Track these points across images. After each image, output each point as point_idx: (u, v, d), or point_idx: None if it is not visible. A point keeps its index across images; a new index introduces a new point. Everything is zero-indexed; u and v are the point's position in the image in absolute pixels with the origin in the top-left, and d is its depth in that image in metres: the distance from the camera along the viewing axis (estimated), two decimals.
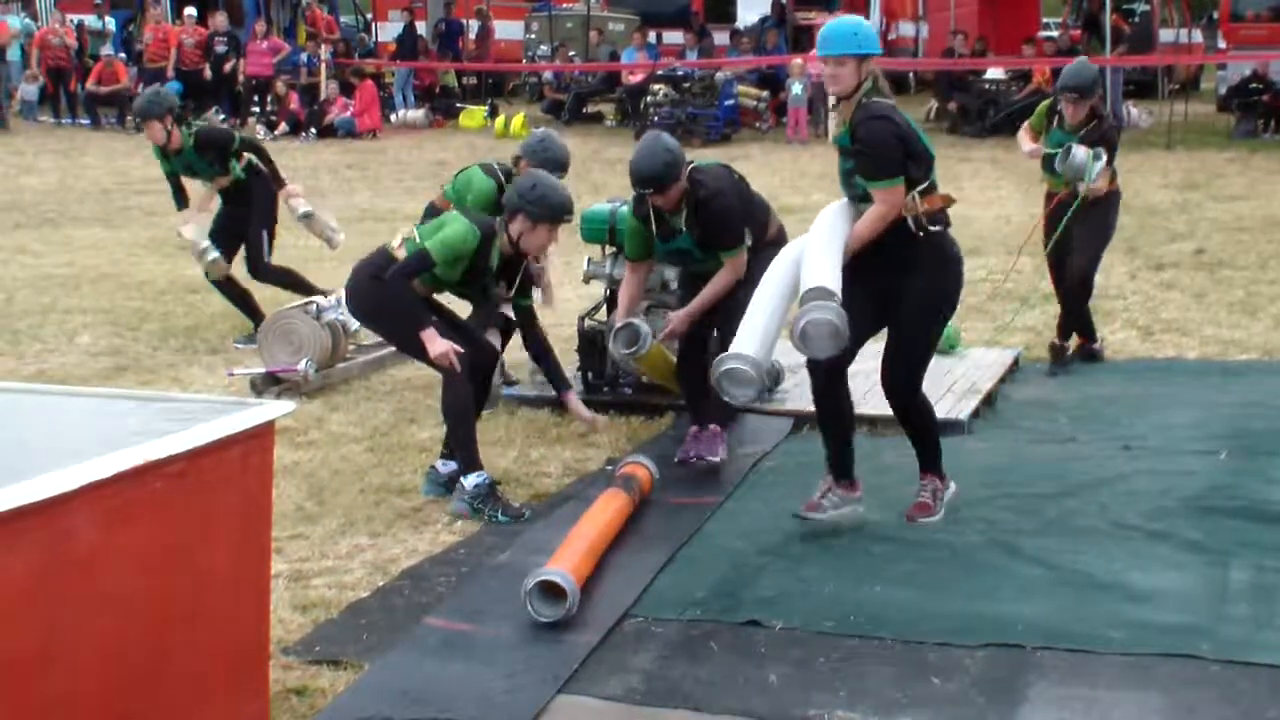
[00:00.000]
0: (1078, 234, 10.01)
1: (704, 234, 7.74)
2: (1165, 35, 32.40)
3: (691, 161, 7.88)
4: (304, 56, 29.57)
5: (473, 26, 34.48)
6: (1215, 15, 34.83)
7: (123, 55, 29.16)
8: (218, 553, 4.67)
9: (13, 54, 29.49)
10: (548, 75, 32.01)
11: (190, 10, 29.57)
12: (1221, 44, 30.98)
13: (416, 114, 29.23)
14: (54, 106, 29.52)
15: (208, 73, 28.56)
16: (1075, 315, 10.31)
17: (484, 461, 7.39)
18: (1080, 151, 9.67)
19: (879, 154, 6.75)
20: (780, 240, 7.95)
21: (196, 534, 4.57)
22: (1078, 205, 9.85)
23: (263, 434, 4.87)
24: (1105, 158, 9.71)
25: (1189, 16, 35.66)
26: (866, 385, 9.33)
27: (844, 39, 6.84)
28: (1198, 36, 35.05)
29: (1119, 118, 26.15)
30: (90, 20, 31.45)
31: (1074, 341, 10.40)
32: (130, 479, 4.25)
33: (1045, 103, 10.50)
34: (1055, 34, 33.08)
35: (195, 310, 11.99)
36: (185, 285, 13.02)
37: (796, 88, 25.67)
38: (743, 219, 7.82)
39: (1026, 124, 10.62)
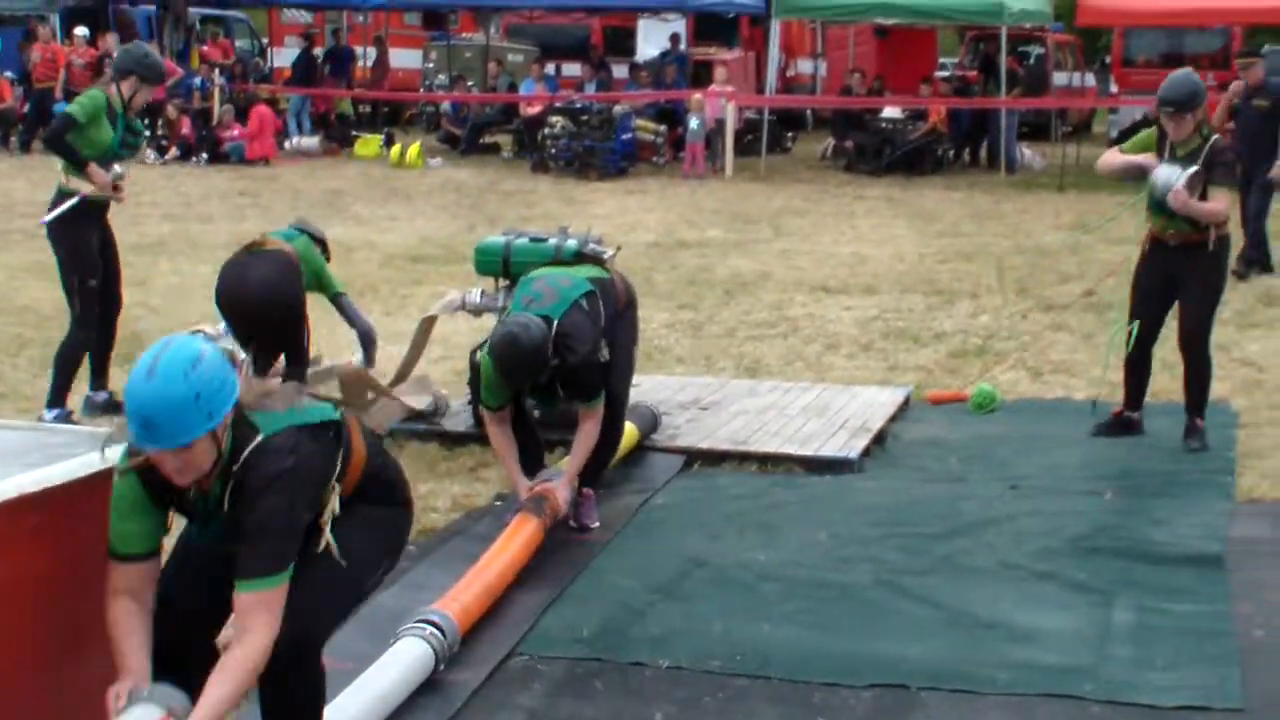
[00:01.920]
0: (1187, 284, 8.99)
1: (567, 387, 7.52)
2: (1059, 78, 32.87)
3: (553, 322, 7.28)
4: (197, 80, 29.31)
5: (369, 54, 34.30)
6: (1108, 60, 35.35)
7: (10, 74, 28.75)
8: (98, 586, 4.58)
9: None
10: (445, 105, 31.94)
11: (81, 31, 29.23)
12: (1114, 88, 31.45)
13: (311, 141, 29.05)
14: None
15: None
16: (1198, 383, 9.08)
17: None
18: (1168, 168, 8.80)
19: None
20: (633, 302, 8.17)
21: (75, 568, 4.49)
22: (1168, 243, 8.97)
23: None
24: (1197, 171, 8.70)
25: (1082, 60, 36.23)
26: (758, 423, 9.38)
27: None
28: (1091, 80, 35.63)
29: (1012, 159, 26.47)
30: None
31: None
32: (5, 512, 4.16)
33: (1148, 131, 9.34)
34: (952, 74, 33.46)
35: None
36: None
37: (694, 123, 25.75)
38: (604, 370, 7.52)
39: (1117, 149, 9.61)
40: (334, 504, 4.51)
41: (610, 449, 7.93)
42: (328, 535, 4.49)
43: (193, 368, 4.14)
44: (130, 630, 4.37)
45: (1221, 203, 8.96)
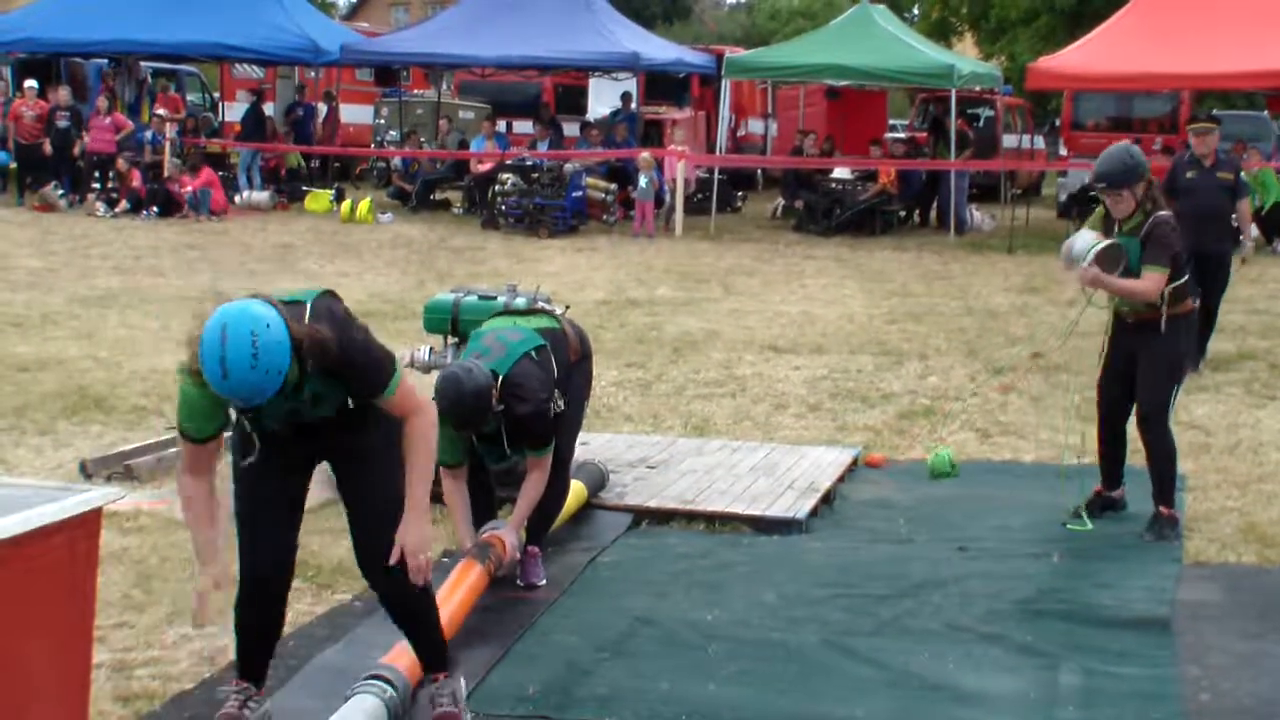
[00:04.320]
0: (1143, 363, 8.66)
1: (514, 438, 7.40)
2: (1009, 141, 33.15)
3: (499, 377, 7.18)
4: (149, 134, 29.24)
5: (320, 109, 34.30)
6: (1058, 123, 35.68)
7: None
8: (37, 642, 4.55)
9: None
10: (396, 161, 31.96)
11: (31, 82, 29.15)
12: (1063, 151, 31.72)
13: (261, 196, 28.97)
14: None
15: (48, 147, 28.09)
16: (1155, 467, 8.70)
17: (318, 550, 7.24)
18: (1084, 236, 8.57)
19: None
20: (587, 354, 8.13)
21: (15, 623, 4.45)
22: (1121, 322, 8.73)
23: (90, 520, 4.78)
24: (1111, 245, 8.35)
25: (1032, 123, 36.57)
26: (706, 482, 9.38)
27: None
28: (1040, 143, 35.96)
29: (962, 220, 26.63)
30: None
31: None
32: None
33: (1100, 208, 8.83)
34: (902, 135, 33.67)
35: (24, 389, 11.74)
36: (15, 363, 12.75)
37: (643, 181, 25.84)
38: (554, 421, 7.43)
39: (1085, 225, 8.97)
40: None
41: (557, 502, 7.89)
42: None
43: (255, 358, 4.89)
44: (204, 517, 5.36)
45: (1149, 281, 8.37)
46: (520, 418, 7.21)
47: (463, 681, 5.96)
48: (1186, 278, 8.57)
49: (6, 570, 4.37)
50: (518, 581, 7.54)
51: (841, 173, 27.75)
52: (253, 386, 4.94)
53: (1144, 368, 8.60)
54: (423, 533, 5.42)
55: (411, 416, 5.44)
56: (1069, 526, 8.76)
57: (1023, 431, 11.25)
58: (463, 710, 5.84)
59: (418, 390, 5.54)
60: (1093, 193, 8.70)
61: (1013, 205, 26.98)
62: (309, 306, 5.23)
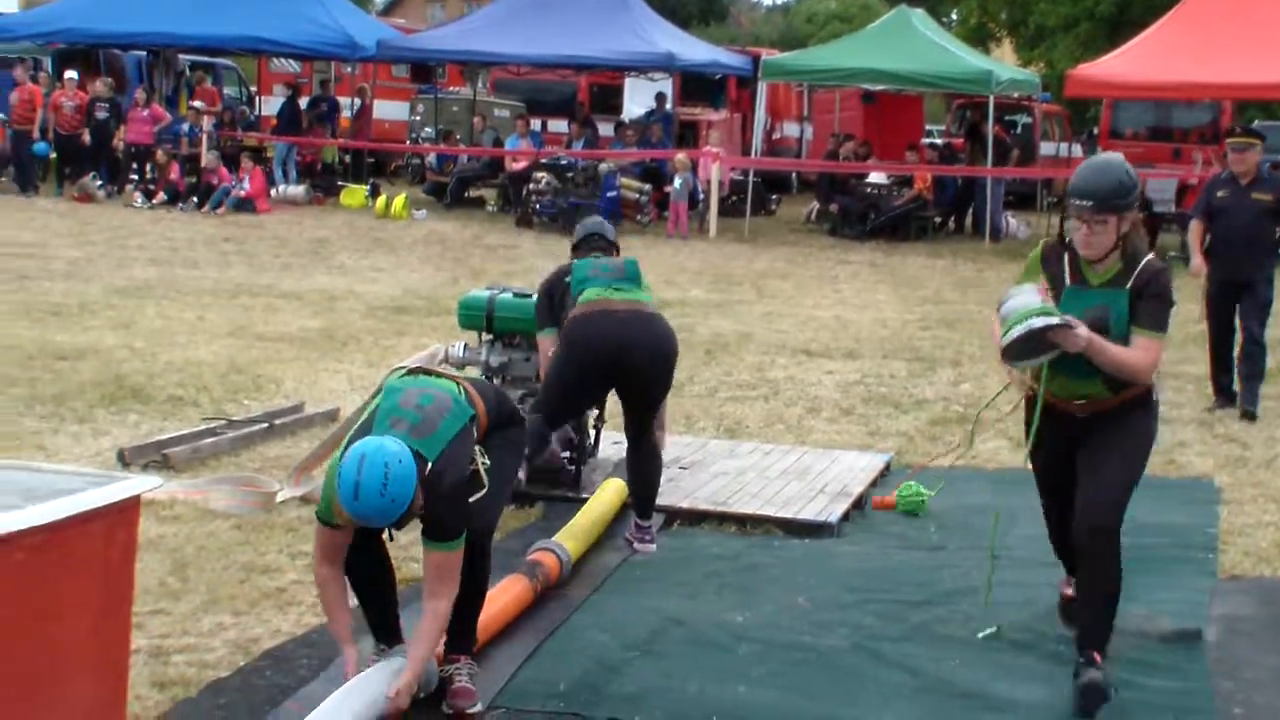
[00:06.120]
0: (1096, 455, 6.39)
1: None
2: (1046, 148, 33.08)
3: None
4: (186, 126, 29.36)
5: (355, 104, 34.34)
6: (1095, 131, 35.57)
7: (2, 115, 28.78)
8: (77, 627, 4.59)
9: None
10: (430, 157, 32.01)
11: (71, 74, 29.31)
12: None
13: (297, 190, 29.09)
14: None
15: (86, 137, 28.26)
16: (1096, 594, 6.41)
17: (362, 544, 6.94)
18: (1025, 293, 6.20)
19: None
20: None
21: (56, 607, 4.49)
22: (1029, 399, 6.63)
23: (129, 508, 4.81)
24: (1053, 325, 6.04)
25: (1070, 131, 36.46)
26: (738, 485, 9.39)
27: None
28: (1078, 151, 35.86)
29: (997, 228, 26.56)
30: None
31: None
32: None
33: (1034, 253, 6.60)
34: (938, 141, 33.63)
35: (63, 378, 11.80)
36: (54, 351, 12.81)
37: (678, 182, 25.86)
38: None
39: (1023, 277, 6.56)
40: (482, 460, 5.97)
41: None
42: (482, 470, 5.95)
43: (385, 486, 5.38)
44: (337, 598, 5.90)
45: (1144, 352, 6.16)
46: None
47: (476, 668, 6.15)
48: None
49: (48, 555, 4.40)
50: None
51: (877, 177, 27.73)
52: (379, 511, 5.45)
53: (1099, 458, 6.35)
54: (409, 685, 5.71)
55: (438, 588, 5.80)
56: None
57: None
58: (477, 690, 6.00)
59: (457, 572, 5.85)
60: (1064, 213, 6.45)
61: (1049, 213, 26.92)
62: (442, 454, 5.69)
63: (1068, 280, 6.33)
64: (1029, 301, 6.08)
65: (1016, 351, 6.11)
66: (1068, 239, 6.42)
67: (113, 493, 4.71)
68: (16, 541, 4.26)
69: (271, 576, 7.50)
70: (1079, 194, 6.16)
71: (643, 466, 8.34)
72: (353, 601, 6.06)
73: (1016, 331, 6.01)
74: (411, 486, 5.47)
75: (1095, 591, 6.34)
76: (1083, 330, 6.00)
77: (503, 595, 6.85)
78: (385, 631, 6.15)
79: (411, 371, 6.17)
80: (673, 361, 8.29)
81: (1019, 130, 32.64)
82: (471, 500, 5.85)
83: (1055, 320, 6.00)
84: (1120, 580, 6.32)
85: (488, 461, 6.01)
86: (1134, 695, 6.34)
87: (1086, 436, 6.37)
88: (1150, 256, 6.24)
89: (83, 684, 4.62)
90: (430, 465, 5.63)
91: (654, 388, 8.29)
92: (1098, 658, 6.22)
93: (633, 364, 8.05)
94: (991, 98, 27.18)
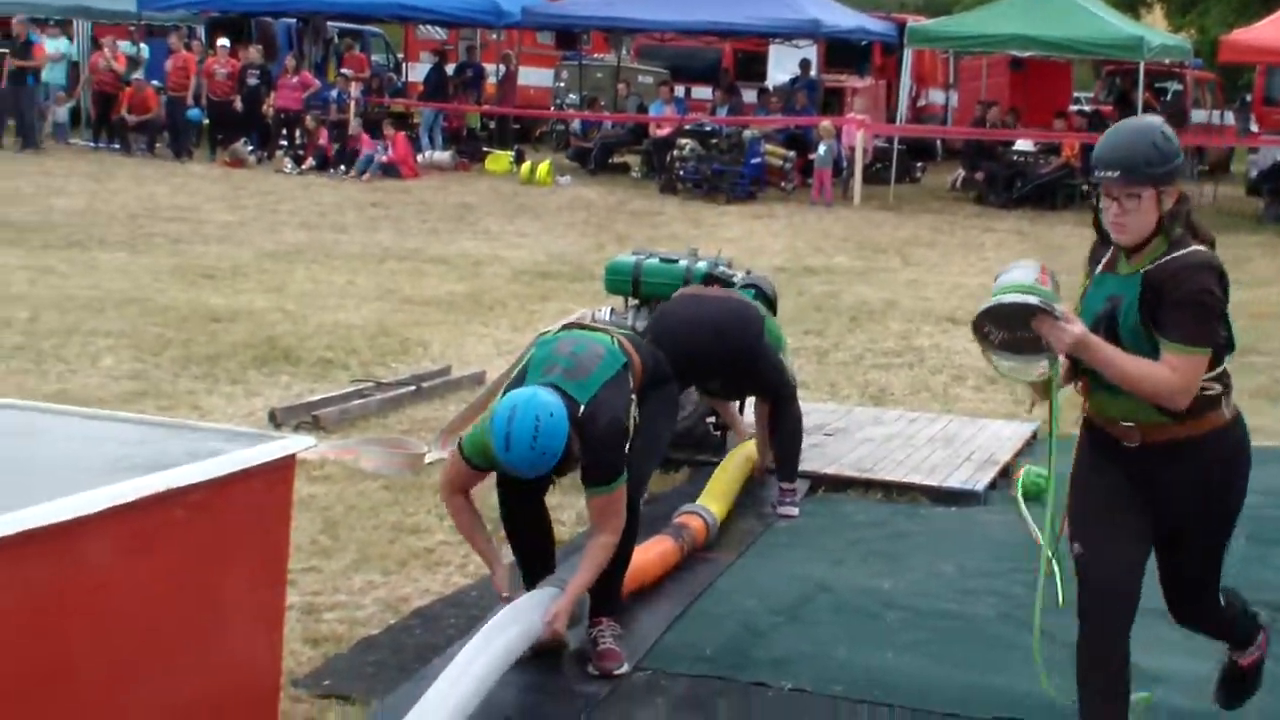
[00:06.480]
0: (1172, 513, 5.02)
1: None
2: (1197, 116, 32.51)
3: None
4: (334, 93, 29.68)
5: (500, 71, 34.52)
6: (1249, 98, 34.93)
7: (157, 83, 29.25)
8: (234, 583, 4.68)
9: (53, 76, 29.56)
10: (575, 124, 32.11)
11: (223, 41, 29.76)
12: (1254, 127, 31.01)
13: (443, 156, 29.31)
14: (98, 130, 29.69)
15: (238, 104, 28.70)
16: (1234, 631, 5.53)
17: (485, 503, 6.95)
18: (1022, 266, 4.98)
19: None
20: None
21: (214, 564, 4.58)
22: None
23: (284, 467, 4.88)
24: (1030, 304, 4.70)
25: (1222, 98, 35.78)
26: (884, 452, 9.36)
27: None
28: (1230, 119, 35.18)
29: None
30: (124, 46, 31.61)
31: None
32: (151, 505, 4.25)
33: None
34: (1087, 108, 33.17)
35: (217, 339, 12.00)
36: (208, 313, 13.04)
37: (822, 149, 25.75)
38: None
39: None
40: (635, 413, 5.98)
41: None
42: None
43: (535, 439, 5.47)
44: (473, 521, 6.15)
45: (1174, 370, 4.68)
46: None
47: (621, 631, 6.19)
48: (1225, 367, 4.88)
49: (210, 511, 4.49)
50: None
51: (1024, 145, 27.42)
52: (529, 463, 5.56)
53: (1169, 552, 5.13)
54: (566, 609, 5.82)
55: (604, 525, 5.92)
56: None
57: None
58: (623, 652, 6.04)
59: (622, 510, 5.93)
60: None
61: (1200, 182, 26.48)
62: (595, 395, 5.76)
63: (1101, 265, 5.04)
64: (1018, 278, 4.86)
65: (987, 336, 4.87)
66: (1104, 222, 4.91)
67: (270, 450, 4.79)
68: (178, 498, 4.35)
69: (420, 537, 7.60)
70: (1104, 163, 4.80)
71: (782, 429, 8.37)
72: (508, 558, 6.25)
73: (984, 305, 4.83)
74: (562, 440, 5.53)
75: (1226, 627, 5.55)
76: (1075, 326, 4.67)
77: (647, 553, 6.89)
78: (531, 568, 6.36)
79: (566, 327, 6.50)
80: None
81: (1170, 97, 32.13)
82: (625, 448, 5.86)
83: (1034, 301, 4.68)
84: (1255, 619, 5.57)
85: (639, 415, 6.06)
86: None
87: (1146, 485, 4.93)
88: (1195, 247, 4.76)
89: (241, 637, 4.71)
90: (583, 408, 5.70)
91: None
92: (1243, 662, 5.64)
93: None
94: (1142, 64, 26.80)
